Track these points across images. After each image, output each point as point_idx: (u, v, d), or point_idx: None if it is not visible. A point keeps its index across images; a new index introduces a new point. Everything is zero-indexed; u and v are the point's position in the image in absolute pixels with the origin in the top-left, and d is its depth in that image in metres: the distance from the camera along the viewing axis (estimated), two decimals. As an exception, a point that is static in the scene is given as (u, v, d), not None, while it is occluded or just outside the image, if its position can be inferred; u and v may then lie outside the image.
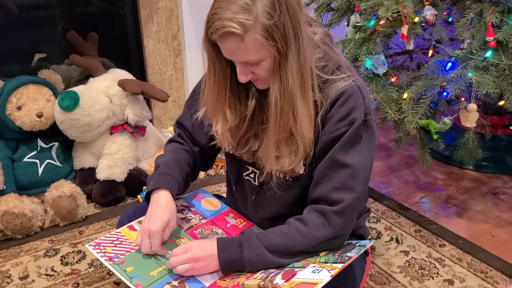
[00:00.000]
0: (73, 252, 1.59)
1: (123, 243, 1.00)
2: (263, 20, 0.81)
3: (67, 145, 1.94)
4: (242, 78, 0.90)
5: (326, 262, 0.91)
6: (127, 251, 0.98)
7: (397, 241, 1.59)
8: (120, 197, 1.86)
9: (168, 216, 0.97)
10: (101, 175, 1.84)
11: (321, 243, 0.94)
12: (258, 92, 0.96)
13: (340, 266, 0.87)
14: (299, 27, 0.85)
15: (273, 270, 0.92)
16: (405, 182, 2.00)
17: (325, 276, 0.84)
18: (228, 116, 0.96)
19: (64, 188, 1.70)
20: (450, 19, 1.63)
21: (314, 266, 0.90)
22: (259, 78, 0.92)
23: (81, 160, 1.93)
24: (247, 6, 0.80)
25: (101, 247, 0.98)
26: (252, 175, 1.06)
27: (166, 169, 1.04)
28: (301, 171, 0.98)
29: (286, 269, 0.92)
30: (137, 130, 1.92)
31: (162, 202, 0.98)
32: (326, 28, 1.05)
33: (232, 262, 0.92)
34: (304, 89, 0.88)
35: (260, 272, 0.93)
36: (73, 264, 1.53)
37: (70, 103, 1.73)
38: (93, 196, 1.84)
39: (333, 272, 0.85)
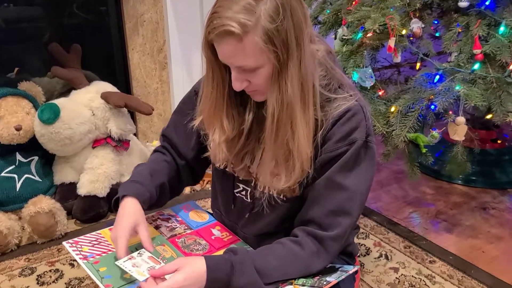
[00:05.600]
0: (50, 271, 1.52)
1: (102, 244, 0.98)
2: (264, 23, 0.76)
3: (47, 159, 1.88)
4: (237, 85, 0.85)
5: (303, 285, 0.86)
6: (104, 252, 0.95)
7: (387, 257, 1.55)
8: (102, 213, 1.80)
9: (132, 221, 0.92)
10: (82, 190, 1.78)
11: (317, 271, 0.90)
12: (256, 106, 0.92)
13: None
14: (302, 37, 0.80)
15: None
16: (394, 197, 1.97)
17: None
18: (225, 126, 0.91)
19: (43, 204, 1.63)
20: (437, 34, 1.63)
21: None
22: (255, 90, 0.87)
23: (62, 174, 1.87)
24: (250, 7, 0.76)
25: (78, 246, 0.96)
26: (243, 193, 1.02)
27: (137, 177, 1.00)
28: (299, 192, 0.93)
29: None
30: (121, 144, 1.87)
31: (127, 208, 0.94)
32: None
33: (219, 283, 0.85)
34: (304, 103, 0.83)
35: None
36: (50, 283, 1.46)
37: (50, 115, 1.69)
38: (73, 212, 1.78)
39: None
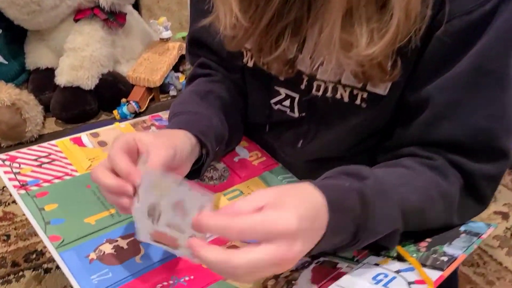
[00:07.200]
0: (11, 186, 1.13)
1: (55, 162, 0.68)
2: None
3: (16, 35, 1.51)
4: None
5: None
6: (58, 177, 0.65)
7: (488, 196, 1.11)
8: (89, 110, 1.44)
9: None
10: (62, 78, 1.41)
11: (460, 224, 0.58)
12: None
13: (436, 275, 0.46)
14: None
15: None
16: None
17: None
18: None
19: (2, 94, 1.28)
20: None
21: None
22: None
23: (36, 56, 1.52)
24: None
25: (15, 164, 0.65)
26: (286, 103, 0.68)
27: (179, 108, 0.68)
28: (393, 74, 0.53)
29: (318, 262, 0.53)
30: (114, 18, 1.47)
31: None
32: None
33: (342, 235, 0.50)
34: None
35: None
36: (8, 204, 1.11)
37: (4, -35, 1.23)
38: (51, 107, 1.43)
39: None
